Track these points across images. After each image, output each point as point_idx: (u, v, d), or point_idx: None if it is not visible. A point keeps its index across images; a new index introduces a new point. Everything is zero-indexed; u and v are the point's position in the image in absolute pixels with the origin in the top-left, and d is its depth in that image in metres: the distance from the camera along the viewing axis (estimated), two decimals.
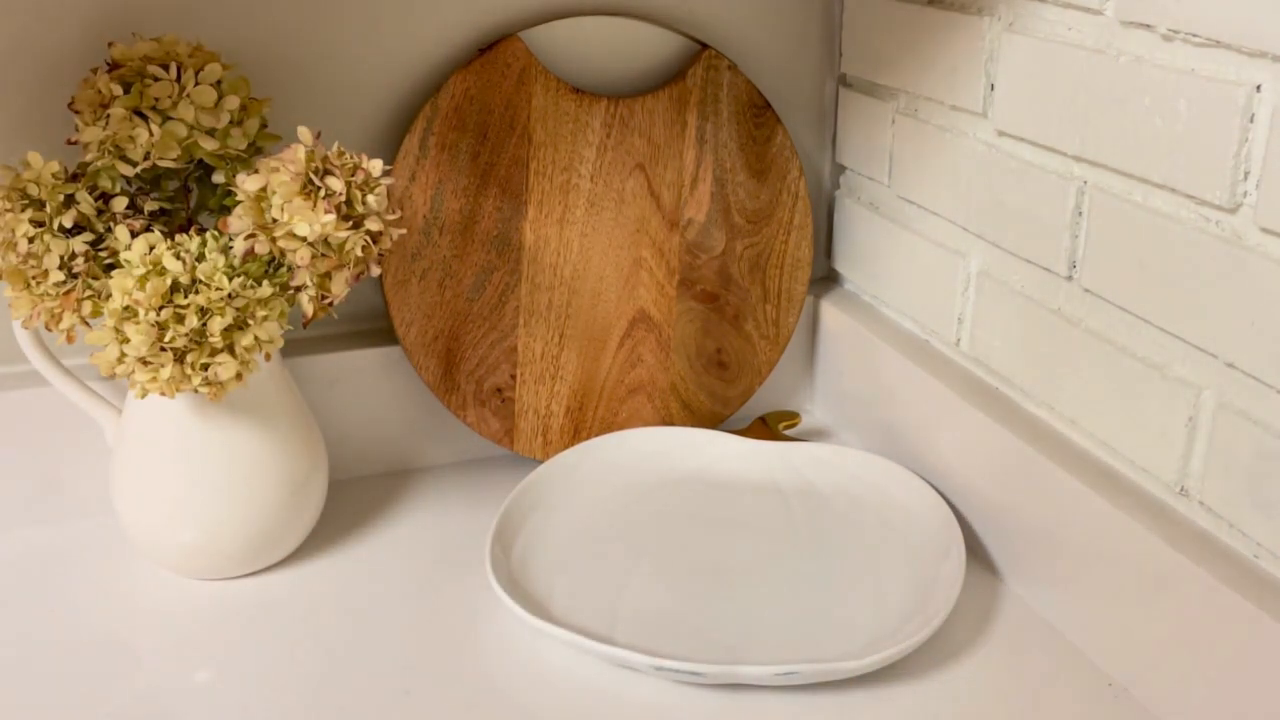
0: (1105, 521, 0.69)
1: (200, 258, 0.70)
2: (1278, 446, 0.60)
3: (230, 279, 0.70)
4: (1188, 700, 0.65)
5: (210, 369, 0.69)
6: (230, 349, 0.70)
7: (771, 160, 0.95)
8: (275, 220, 0.70)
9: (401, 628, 0.76)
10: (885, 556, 0.81)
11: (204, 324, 0.69)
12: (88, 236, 0.72)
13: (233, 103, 0.74)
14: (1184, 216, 0.64)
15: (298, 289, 0.73)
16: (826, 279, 1.05)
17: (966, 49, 0.80)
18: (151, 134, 0.72)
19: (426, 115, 0.86)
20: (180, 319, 0.68)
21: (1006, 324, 0.80)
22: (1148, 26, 0.64)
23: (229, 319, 0.69)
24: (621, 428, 0.95)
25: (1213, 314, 0.63)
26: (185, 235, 0.72)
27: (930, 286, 0.88)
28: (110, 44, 0.75)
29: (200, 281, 0.69)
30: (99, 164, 0.73)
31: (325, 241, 0.70)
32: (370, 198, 0.71)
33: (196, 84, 0.73)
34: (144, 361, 0.68)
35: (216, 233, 0.72)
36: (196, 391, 0.70)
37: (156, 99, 0.73)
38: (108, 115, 0.72)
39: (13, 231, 0.70)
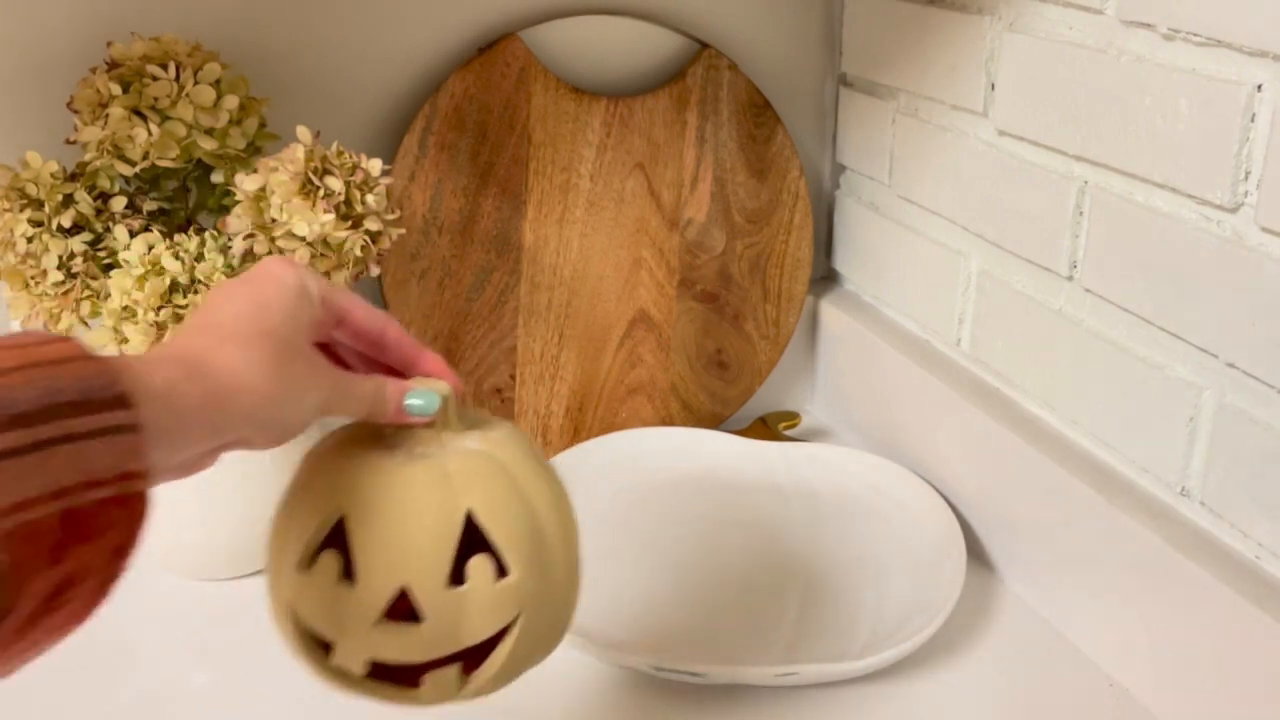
0: (1106, 521, 0.69)
1: (199, 257, 0.70)
2: (1278, 446, 0.60)
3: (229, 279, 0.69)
4: (1188, 700, 0.65)
5: None
6: None
7: (771, 160, 0.94)
8: (274, 220, 0.70)
9: None
10: (885, 556, 0.81)
11: None
12: (86, 236, 0.72)
13: (231, 102, 0.74)
14: (1185, 216, 0.64)
15: None
16: (826, 279, 1.04)
17: (967, 48, 0.80)
18: (150, 133, 0.72)
19: (426, 114, 0.86)
20: (179, 319, 0.68)
21: (1007, 324, 0.80)
22: (1148, 26, 0.64)
23: None
24: (621, 428, 0.95)
25: (1214, 314, 0.62)
26: (184, 235, 0.71)
27: (931, 286, 0.88)
28: (109, 43, 0.75)
29: (199, 281, 0.69)
30: (98, 163, 0.73)
31: (324, 241, 0.70)
32: (369, 197, 0.71)
33: (195, 83, 0.73)
34: None
35: (215, 232, 0.72)
36: None
37: (155, 98, 0.72)
38: (106, 115, 0.72)
39: (11, 231, 0.70)
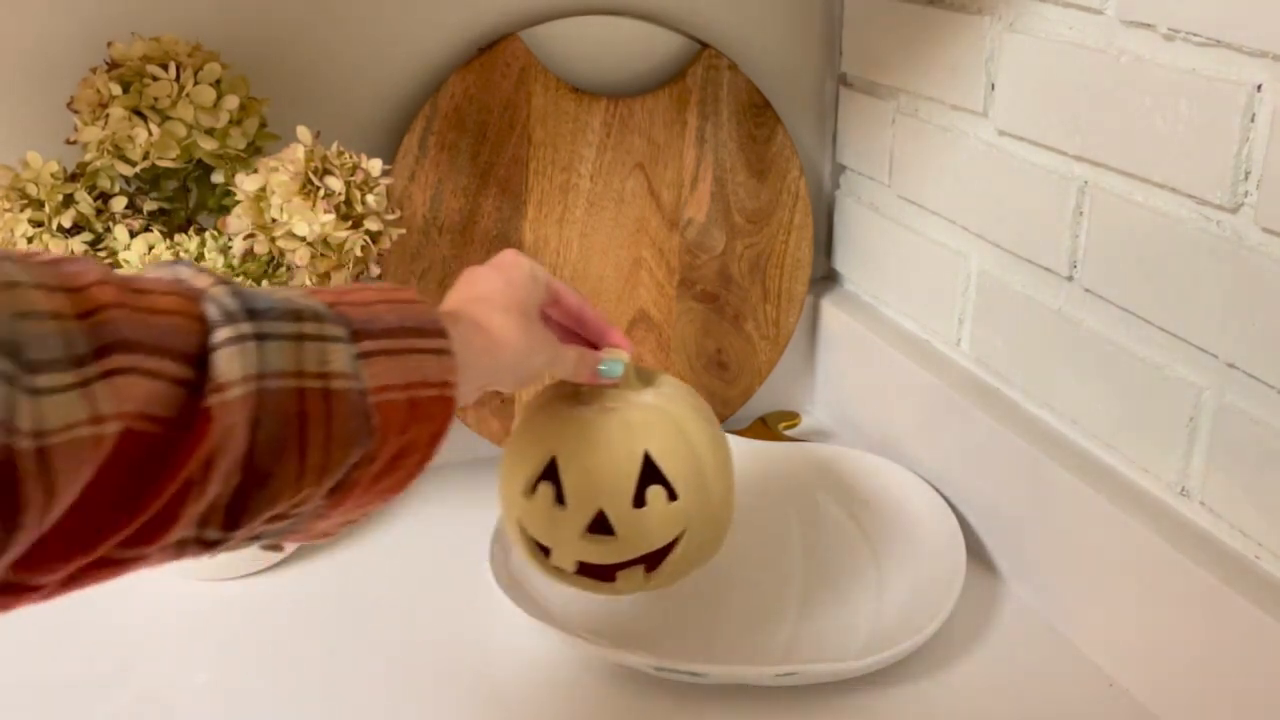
0: (1105, 521, 0.69)
1: (199, 257, 0.70)
2: (1278, 446, 0.60)
3: None
4: (1188, 700, 0.65)
5: None
6: None
7: (771, 160, 0.95)
8: (274, 220, 0.70)
9: (401, 628, 0.76)
10: (885, 556, 0.81)
11: None
12: (87, 236, 0.72)
13: (232, 102, 0.74)
14: (1184, 216, 0.64)
15: None
16: (826, 279, 1.04)
17: (967, 48, 0.80)
18: (150, 134, 0.72)
19: (426, 115, 0.86)
20: None
21: (1007, 324, 0.80)
22: (1148, 26, 0.64)
23: None
24: None
25: (1213, 314, 0.62)
26: (184, 235, 0.72)
27: (930, 286, 0.88)
28: (109, 43, 0.75)
29: None
30: (98, 164, 0.73)
31: (324, 241, 0.70)
32: (369, 197, 0.71)
33: (195, 83, 0.73)
34: None
35: (215, 232, 0.72)
36: None
37: (155, 99, 0.72)
38: (107, 115, 0.72)
39: (12, 231, 0.70)
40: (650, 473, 0.64)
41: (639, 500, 0.64)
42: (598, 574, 0.66)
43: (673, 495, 0.64)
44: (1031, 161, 0.75)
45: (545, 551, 0.66)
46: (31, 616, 0.78)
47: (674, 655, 0.71)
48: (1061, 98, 0.71)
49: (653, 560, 0.66)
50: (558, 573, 0.67)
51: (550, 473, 0.65)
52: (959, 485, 0.84)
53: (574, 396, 0.67)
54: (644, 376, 0.69)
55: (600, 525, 0.64)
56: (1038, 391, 0.78)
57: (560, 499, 0.64)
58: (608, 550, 0.65)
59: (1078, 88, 0.70)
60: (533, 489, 0.65)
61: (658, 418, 0.66)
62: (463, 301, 0.58)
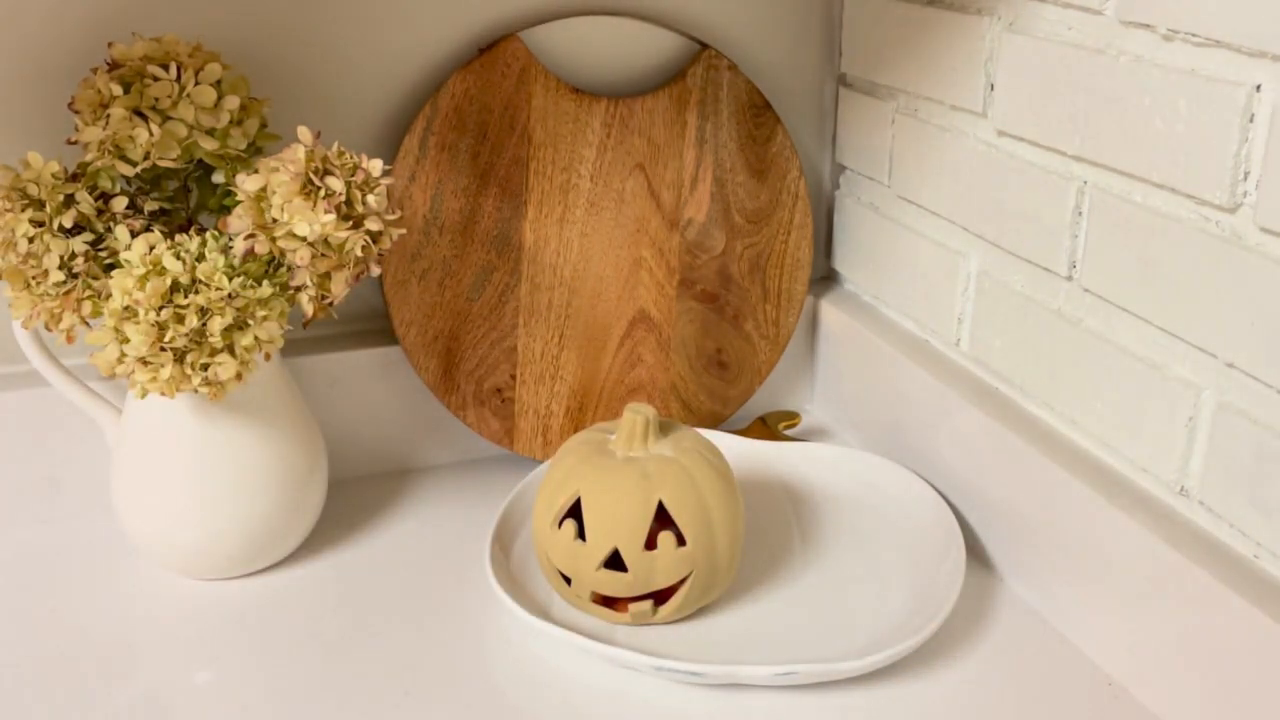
0: (1105, 521, 0.69)
1: (200, 258, 0.70)
2: (1278, 446, 0.60)
3: (230, 279, 0.70)
4: (1188, 700, 0.65)
5: (210, 369, 0.69)
6: (230, 349, 0.70)
7: (771, 160, 0.95)
8: (275, 220, 0.70)
9: (401, 628, 0.76)
10: (885, 556, 0.81)
11: (204, 324, 0.68)
12: (88, 236, 0.72)
13: (232, 102, 0.74)
14: (1184, 216, 0.64)
15: (297, 289, 0.73)
16: (826, 279, 1.05)
17: (966, 49, 0.80)
18: (151, 134, 0.72)
19: (426, 115, 0.86)
20: (180, 319, 0.68)
21: (1006, 324, 0.80)
22: (1148, 26, 0.64)
23: (229, 319, 0.69)
24: None
25: (1213, 314, 0.63)
26: (185, 235, 0.72)
27: (930, 286, 0.88)
28: (110, 44, 0.75)
29: (200, 281, 0.69)
30: (99, 164, 0.73)
31: (325, 241, 0.70)
32: (370, 197, 0.71)
33: (196, 84, 0.73)
34: (144, 361, 0.68)
35: (216, 233, 0.72)
36: (196, 391, 0.70)
37: (156, 99, 0.73)
38: (107, 115, 0.72)
39: (13, 231, 0.70)
40: (662, 519, 0.71)
41: (650, 543, 0.71)
42: (611, 604, 0.73)
43: (681, 541, 0.71)
44: (1031, 161, 0.75)
45: (567, 580, 0.74)
46: (32, 616, 0.78)
47: (673, 655, 0.71)
48: (1061, 98, 0.71)
49: (661, 597, 0.73)
50: (577, 599, 0.74)
51: (575, 511, 0.73)
52: (959, 485, 0.84)
53: (603, 444, 0.75)
54: (666, 429, 0.76)
55: (615, 562, 0.71)
56: (1037, 391, 0.78)
57: (582, 535, 0.72)
58: (620, 585, 0.72)
59: (1077, 88, 0.70)
60: (559, 523, 0.73)
61: (673, 469, 0.72)
62: None
